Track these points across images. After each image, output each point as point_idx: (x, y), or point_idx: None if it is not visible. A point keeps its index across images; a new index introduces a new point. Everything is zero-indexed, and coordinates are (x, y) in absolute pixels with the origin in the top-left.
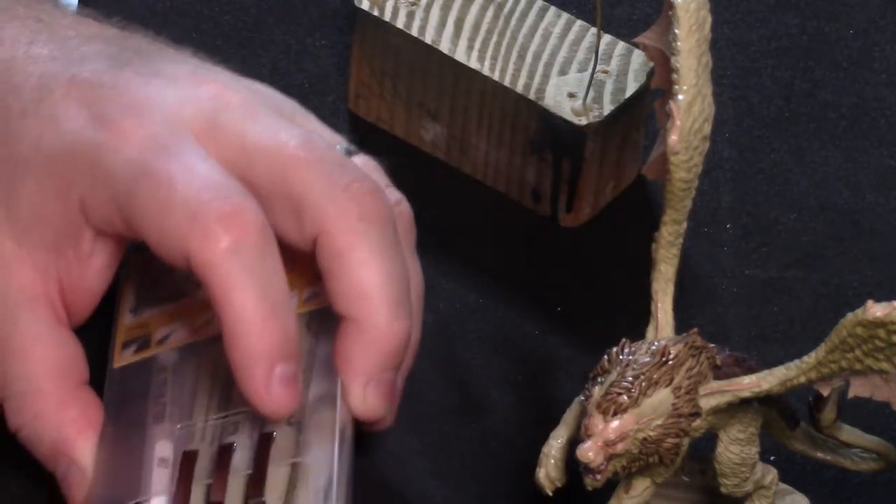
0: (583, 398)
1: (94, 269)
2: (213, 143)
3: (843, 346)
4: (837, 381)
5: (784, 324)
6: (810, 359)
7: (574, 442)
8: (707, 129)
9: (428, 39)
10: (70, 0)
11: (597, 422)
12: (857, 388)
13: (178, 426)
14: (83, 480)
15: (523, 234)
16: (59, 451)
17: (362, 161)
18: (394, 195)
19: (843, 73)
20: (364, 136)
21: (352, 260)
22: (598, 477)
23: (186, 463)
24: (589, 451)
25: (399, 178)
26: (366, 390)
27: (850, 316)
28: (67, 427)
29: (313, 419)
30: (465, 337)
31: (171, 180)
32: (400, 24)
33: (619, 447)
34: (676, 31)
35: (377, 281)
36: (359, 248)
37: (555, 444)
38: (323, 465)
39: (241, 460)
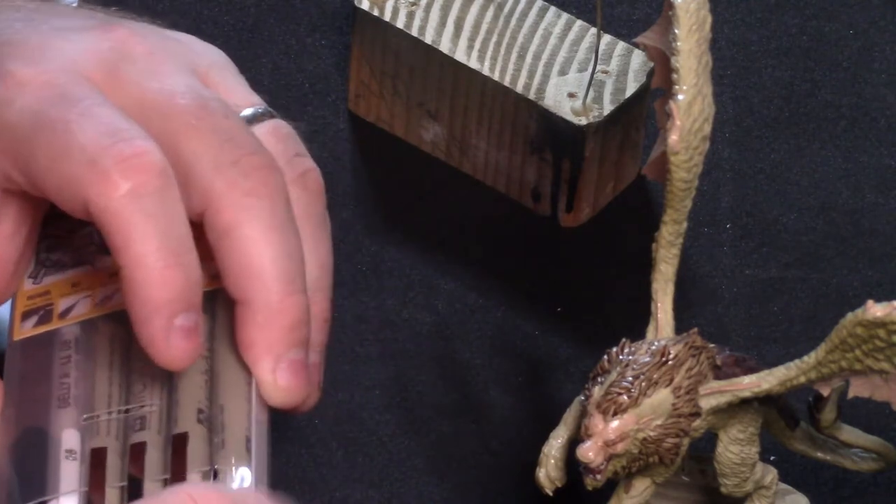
0: (583, 398)
1: (2, 238)
2: (112, 94)
3: (843, 346)
4: (837, 381)
5: (784, 324)
6: (810, 359)
7: (574, 442)
8: (707, 129)
9: (428, 39)
10: (70, 3)
11: (597, 422)
12: (857, 388)
13: (84, 417)
14: None
15: (523, 234)
16: None
17: (272, 127)
18: (302, 165)
19: (843, 73)
20: (364, 136)
21: (238, 237)
22: (598, 477)
23: (96, 462)
24: (589, 451)
25: (399, 178)
26: (275, 374)
27: (850, 316)
28: None
29: (225, 413)
30: (465, 337)
31: (67, 126)
32: (400, 24)
33: (619, 447)
34: (676, 31)
35: (265, 259)
36: (245, 225)
37: (555, 444)
38: (241, 467)
39: (153, 461)
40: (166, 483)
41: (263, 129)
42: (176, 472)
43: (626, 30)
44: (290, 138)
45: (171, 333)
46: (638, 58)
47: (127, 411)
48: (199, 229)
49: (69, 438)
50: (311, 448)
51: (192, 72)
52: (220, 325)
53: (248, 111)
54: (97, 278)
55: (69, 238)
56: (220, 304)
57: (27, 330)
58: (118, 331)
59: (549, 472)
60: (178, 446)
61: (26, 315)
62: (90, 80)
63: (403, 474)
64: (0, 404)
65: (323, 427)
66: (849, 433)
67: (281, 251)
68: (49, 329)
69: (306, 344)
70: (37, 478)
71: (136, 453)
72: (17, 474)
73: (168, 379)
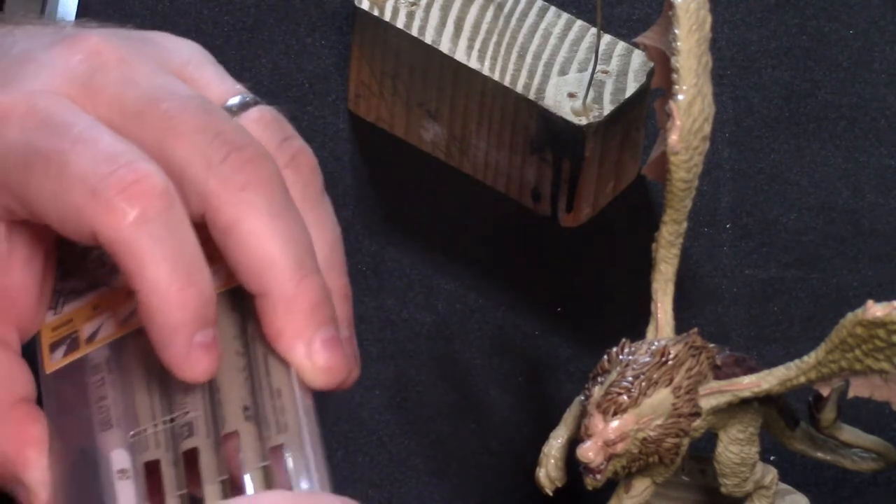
0: (583, 398)
1: (19, 266)
2: (91, 108)
3: (843, 346)
4: (837, 381)
5: (784, 324)
6: (810, 359)
7: (574, 442)
8: (707, 129)
9: (428, 39)
10: (70, 3)
11: (597, 422)
12: (857, 388)
13: (130, 434)
14: (34, 500)
15: (523, 234)
16: (7, 474)
17: (258, 114)
18: (292, 148)
19: (843, 73)
20: (364, 136)
21: (241, 233)
22: (598, 477)
23: (152, 475)
24: (589, 451)
25: (399, 178)
26: (311, 357)
27: (850, 316)
28: (6, 447)
29: (272, 407)
30: (465, 337)
31: (62, 157)
32: (400, 24)
33: (619, 447)
34: (676, 31)
35: (272, 248)
36: (246, 220)
37: (555, 444)
38: (298, 459)
39: (208, 465)
40: (224, 484)
41: (249, 118)
42: (233, 472)
43: (626, 30)
44: (277, 123)
45: (191, 351)
46: (638, 58)
47: (172, 420)
48: (205, 228)
49: (119, 459)
50: None
51: (168, 71)
52: (251, 319)
53: (232, 101)
54: (116, 297)
55: (81, 263)
56: (248, 298)
57: (57, 361)
58: (149, 344)
59: (549, 472)
60: (230, 446)
61: (54, 347)
62: (68, 98)
63: (403, 474)
64: (45, 438)
65: (323, 427)
66: (849, 433)
67: (286, 237)
68: (79, 356)
69: (334, 321)
70: (94, 502)
71: (190, 460)
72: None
73: (208, 382)
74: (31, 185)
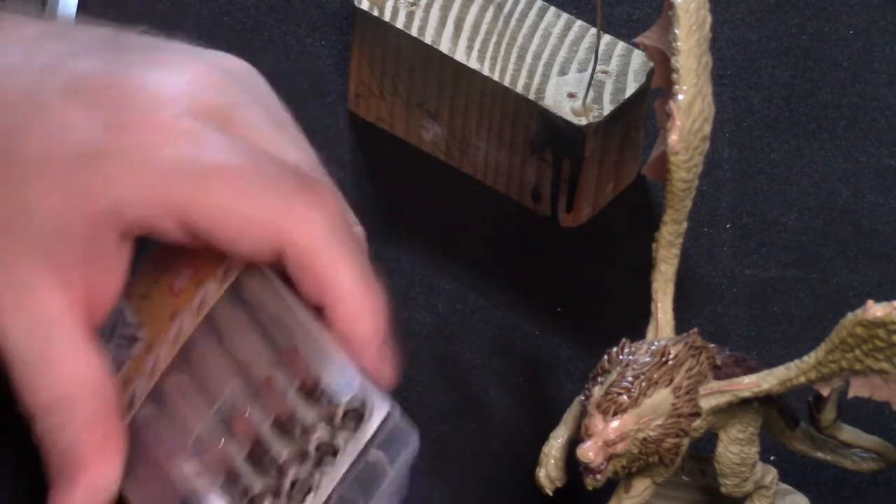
0: (583, 398)
1: (117, 274)
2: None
3: (843, 346)
4: (837, 381)
5: (784, 324)
6: (810, 359)
7: (574, 442)
8: (707, 129)
9: (428, 39)
10: (70, 2)
11: (597, 422)
12: (857, 388)
13: (190, 442)
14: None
15: (523, 234)
16: (72, 464)
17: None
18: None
19: (843, 73)
20: (364, 136)
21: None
22: (598, 477)
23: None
24: (589, 451)
25: (399, 178)
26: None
27: (850, 316)
28: (85, 446)
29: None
30: (465, 337)
31: (240, 171)
32: (400, 24)
33: (619, 447)
34: (676, 31)
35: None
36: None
37: (555, 444)
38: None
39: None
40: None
41: None
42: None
43: (626, 30)
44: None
45: (384, 359)
46: (638, 58)
47: (257, 460)
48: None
49: (189, 468)
50: None
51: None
52: (248, 289)
53: None
54: (140, 364)
55: (106, 348)
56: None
57: None
58: (177, 381)
59: (549, 472)
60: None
61: None
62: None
63: None
64: (124, 454)
65: None
66: (849, 433)
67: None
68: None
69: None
70: None
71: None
72: None
73: (235, 365)
74: (205, 199)
